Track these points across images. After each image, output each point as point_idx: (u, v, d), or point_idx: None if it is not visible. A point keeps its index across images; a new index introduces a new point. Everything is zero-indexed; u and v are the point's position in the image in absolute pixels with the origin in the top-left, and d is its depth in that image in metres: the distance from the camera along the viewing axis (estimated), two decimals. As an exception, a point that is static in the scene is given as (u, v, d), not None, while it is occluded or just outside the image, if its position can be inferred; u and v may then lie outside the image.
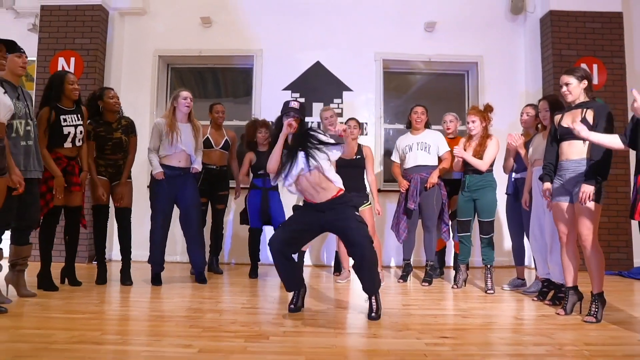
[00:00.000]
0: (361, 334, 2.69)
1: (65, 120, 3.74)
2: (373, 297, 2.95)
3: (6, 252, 3.37)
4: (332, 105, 5.67)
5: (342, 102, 5.87)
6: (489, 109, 4.19)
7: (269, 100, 5.72)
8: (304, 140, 3.04)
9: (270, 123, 4.77)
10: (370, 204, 4.41)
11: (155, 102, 5.95)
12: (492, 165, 4.13)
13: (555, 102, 3.72)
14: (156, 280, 4.12)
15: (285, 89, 5.88)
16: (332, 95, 5.85)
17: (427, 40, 5.97)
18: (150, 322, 2.87)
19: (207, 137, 4.73)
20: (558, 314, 3.14)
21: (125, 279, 4.15)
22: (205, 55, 5.97)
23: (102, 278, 4.14)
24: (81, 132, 3.86)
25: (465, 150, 4.17)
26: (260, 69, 5.92)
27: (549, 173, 3.26)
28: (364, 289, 2.97)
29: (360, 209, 4.37)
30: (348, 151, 4.47)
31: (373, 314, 2.91)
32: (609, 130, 2.94)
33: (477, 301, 3.65)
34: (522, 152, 3.93)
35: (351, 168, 4.39)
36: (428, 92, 6.14)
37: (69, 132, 3.75)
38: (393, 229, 4.57)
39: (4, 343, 2.33)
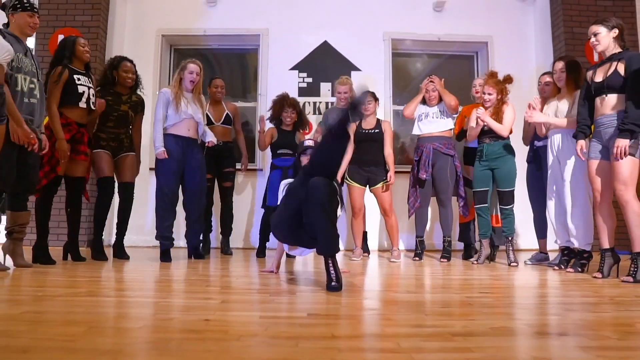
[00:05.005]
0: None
1: (79, 79, 3.62)
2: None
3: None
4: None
5: (350, 82, 5.72)
6: (509, 80, 4.02)
7: (275, 81, 5.58)
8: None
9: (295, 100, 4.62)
10: (386, 180, 4.27)
11: (158, 83, 5.75)
12: (510, 132, 4.00)
13: (573, 63, 3.61)
14: (165, 256, 3.85)
15: (292, 68, 5.73)
16: (340, 75, 5.54)
17: (436, 20, 5.87)
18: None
19: (207, 113, 4.45)
20: (595, 277, 3.00)
21: (122, 253, 3.98)
22: (210, 35, 5.81)
23: (99, 252, 3.87)
24: (93, 94, 3.72)
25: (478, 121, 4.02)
26: (267, 49, 5.76)
27: (583, 130, 3.14)
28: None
29: (376, 186, 4.30)
30: (366, 124, 4.37)
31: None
32: None
33: (507, 272, 3.48)
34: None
35: (370, 142, 4.32)
36: (436, 74, 5.99)
37: (84, 92, 3.62)
38: (408, 202, 4.42)
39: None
